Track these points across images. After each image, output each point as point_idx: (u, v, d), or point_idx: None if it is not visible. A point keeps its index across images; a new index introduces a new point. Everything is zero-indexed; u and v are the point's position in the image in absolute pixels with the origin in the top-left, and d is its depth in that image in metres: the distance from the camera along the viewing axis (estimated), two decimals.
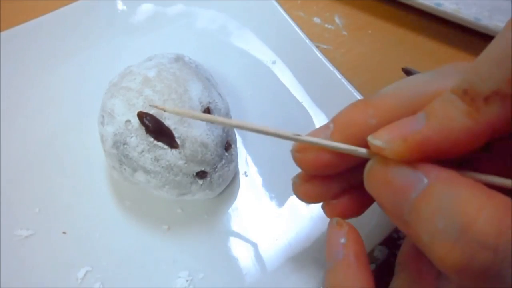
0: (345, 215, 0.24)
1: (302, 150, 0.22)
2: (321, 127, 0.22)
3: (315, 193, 0.24)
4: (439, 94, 0.18)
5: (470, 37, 0.43)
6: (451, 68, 0.21)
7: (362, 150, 0.20)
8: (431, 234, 0.16)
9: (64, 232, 0.32)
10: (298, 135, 0.21)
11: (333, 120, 0.22)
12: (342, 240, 0.21)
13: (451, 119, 0.17)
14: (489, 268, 0.15)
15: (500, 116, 0.17)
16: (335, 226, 0.22)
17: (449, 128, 0.17)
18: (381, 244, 0.32)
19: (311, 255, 0.30)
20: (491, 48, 0.17)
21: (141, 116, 0.28)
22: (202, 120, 0.26)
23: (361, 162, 0.20)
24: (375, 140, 0.18)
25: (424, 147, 0.17)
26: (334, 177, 0.23)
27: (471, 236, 0.15)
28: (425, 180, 0.17)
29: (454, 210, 0.15)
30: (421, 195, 0.17)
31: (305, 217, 0.32)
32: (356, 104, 0.22)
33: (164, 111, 0.26)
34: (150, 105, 0.28)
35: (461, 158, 0.21)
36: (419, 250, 0.18)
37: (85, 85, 0.38)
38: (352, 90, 0.35)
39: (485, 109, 0.17)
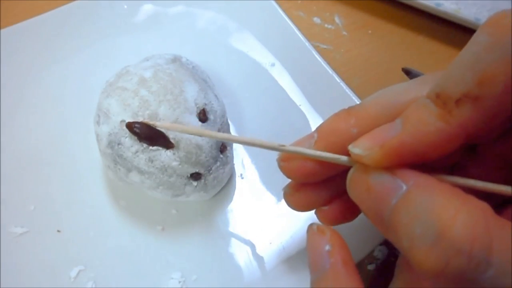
0: (339, 220, 0.24)
1: (287, 159, 0.23)
2: (306, 136, 0.23)
3: (306, 201, 0.24)
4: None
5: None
6: (431, 76, 0.21)
7: (344, 158, 0.20)
8: (410, 240, 0.16)
9: (58, 231, 0.32)
10: (283, 145, 0.22)
11: (317, 130, 0.22)
12: (327, 247, 0.21)
13: (424, 123, 0.17)
14: (464, 273, 0.15)
15: (472, 118, 0.17)
16: (316, 233, 0.22)
17: (423, 132, 0.17)
18: (381, 244, 0.32)
19: (305, 259, 0.30)
20: (463, 53, 0.17)
21: (130, 126, 0.27)
22: (190, 134, 0.27)
23: (347, 169, 0.21)
24: (354, 149, 0.19)
25: (400, 152, 0.18)
26: (324, 184, 0.23)
27: (447, 242, 0.15)
28: (404, 187, 0.17)
29: (431, 216, 0.16)
30: (399, 202, 0.17)
31: (299, 221, 0.31)
32: (338, 114, 0.22)
33: (155, 126, 0.27)
34: (144, 121, 0.28)
35: (450, 162, 0.21)
36: None
37: (84, 84, 0.38)
38: (351, 94, 0.35)
39: (456, 112, 0.17)
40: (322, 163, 0.22)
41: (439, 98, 0.17)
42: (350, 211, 0.24)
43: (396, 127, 0.18)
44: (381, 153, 0.18)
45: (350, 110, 0.22)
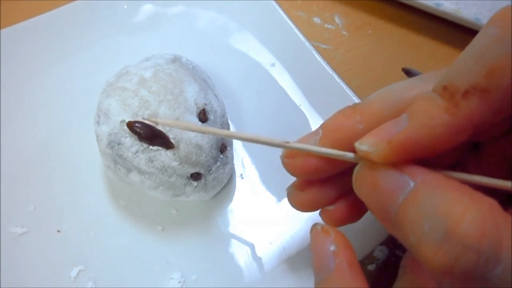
0: (344, 221, 0.24)
1: (290, 156, 0.22)
2: (310, 133, 0.22)
3: (310, 201, 0.24)
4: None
5: (470, 37, 0.42)
6: (433, 73, 0.21)
7: (350, 155, 0.20)
8: (418, 236, 0.16)
9: (58, 231, 0.32)
10: (288, 142, 0.22)
11: (322, 126, 0.22)
12: (332, 248, 0.21)
13: (431, 116, 0.17)
14: (473, 270, 0.15)
15: (479, 110, 0.17)
16: (320, 233, 0.22)
17: (429, 125, 0.17)
18: (382, 244, 0.32)
19: (305, 259, 0.30)
20: (471, 45, 0.18)
21: (131, 125, 0.27)
22: (193, 131, 0.27)
23: (351, 166, 0.20)
24: (362, 146, 0.19)
25: (407, 147, 0.18)
26: (328, 183, 0.23)
27: (456, 239, 0.15)
28: (411, 183, 0.17)
29: (439, 213, 0.16)
30: (407, 198, 0.17)
31: (300, 221, 0.31)
32: (343, 111, 0.22)
33: (157, 124, 0.27)
34: (143, 119, 0.28)
35: (452, 161, 0.21)
36: None
37: (84, 84, 0.38)
38: (351, 94, 0.35)
39: (464, 104, 0.17)
40: (327, 160, 0.21)
41: (446, 91, 0.17)
42: (355, 211, 0.24)
43: (402, 122, 0.18)
44: (388, 149, 0.18)
45: (355, 107, 0.22)
